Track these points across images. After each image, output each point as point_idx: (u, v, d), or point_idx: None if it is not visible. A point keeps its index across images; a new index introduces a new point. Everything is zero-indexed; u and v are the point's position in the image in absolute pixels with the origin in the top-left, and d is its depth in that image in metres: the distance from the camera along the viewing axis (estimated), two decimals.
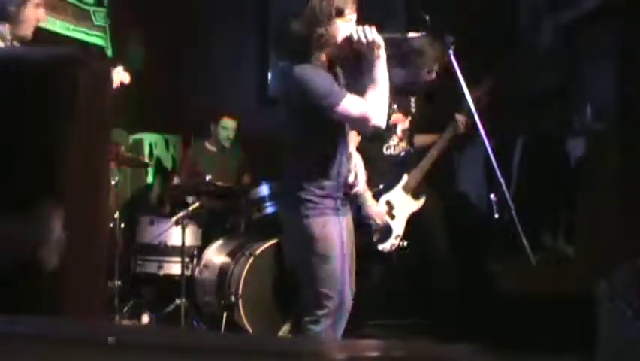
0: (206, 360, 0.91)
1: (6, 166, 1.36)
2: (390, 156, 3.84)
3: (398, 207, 3.78)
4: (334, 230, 2.61)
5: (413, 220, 3.82)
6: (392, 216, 3.76)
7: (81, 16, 4.28)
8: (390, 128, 3.79)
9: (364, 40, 2.55)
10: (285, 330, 3.79)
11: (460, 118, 3.80)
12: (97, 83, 1.46)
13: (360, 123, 2.60)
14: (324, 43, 2.59)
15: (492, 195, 3.99)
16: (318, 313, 2.61)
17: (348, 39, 2.58)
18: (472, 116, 3.43)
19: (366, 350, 0.96)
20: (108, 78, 1.53)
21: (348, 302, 2.66)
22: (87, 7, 4.38)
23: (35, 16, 2.98)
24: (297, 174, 2.67)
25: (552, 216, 4.21)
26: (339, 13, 2.59)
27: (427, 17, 3.27)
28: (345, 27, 2.59)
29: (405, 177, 3.82)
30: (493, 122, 3.65)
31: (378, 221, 3.64)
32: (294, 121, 2.70)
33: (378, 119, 2.58)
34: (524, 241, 3.12)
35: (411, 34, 2.63)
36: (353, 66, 2.68)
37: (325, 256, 2.59)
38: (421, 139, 4.00)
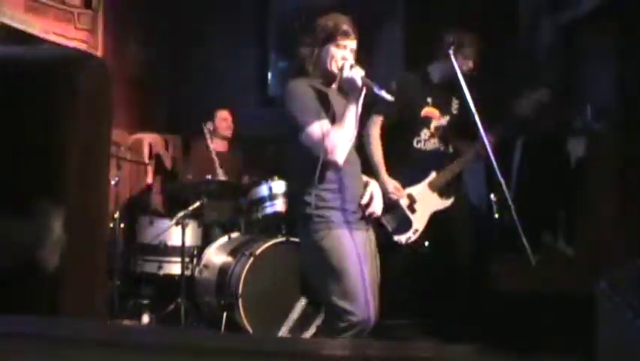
0: (206, 360, 0.91)
1: (6, 166, 1.36)
2: (420, 150, 3.75)
3: (420, 202, 3.70)
4: (346, 243, 2.57)
5: (437, 220, 3.74)
6: (413, 210, 3.69)
7: (63, 19, 4.22)
8: (423, 122, 3.73)
9: (345, 75, 2.60)
10: (299, 309, 3.72)
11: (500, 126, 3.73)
12: (97, 83, 1.46)
13: (318, 151, 2.57)
14: (316, 64, 2.68)
15: (492, 195, 3.98)
16: (338, 325, 2.55)
17: (333, 68, 2.67)
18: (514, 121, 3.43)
19: (366, 349, 0.96)
20: (108, 78, 1.53)
21: (373, 317, 2.58)
22: (71, 10, 4.32)
23: None
24: (299, 189, 2.68)
25: (552, 216, 4.21)
26: (330, 38, 2.66)
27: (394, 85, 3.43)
28: (337, 54, 2.67)
29: (432, 174, 3.74)
30: (493, 122, 3.66)
31: (394, 197, 3.59)
32: (290, 131, 2.69)
33: (335, 155, 2.58)
34: (524, 241, 3.12)
35: (384, 94, 2.62)
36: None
37: (339, 269, 2.54)
38: (460, 144, 3.89)
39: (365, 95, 2.62)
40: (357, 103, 2.60)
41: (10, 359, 0.87)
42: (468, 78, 3.55)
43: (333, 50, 2.66)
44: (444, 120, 3.77)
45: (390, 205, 3.59)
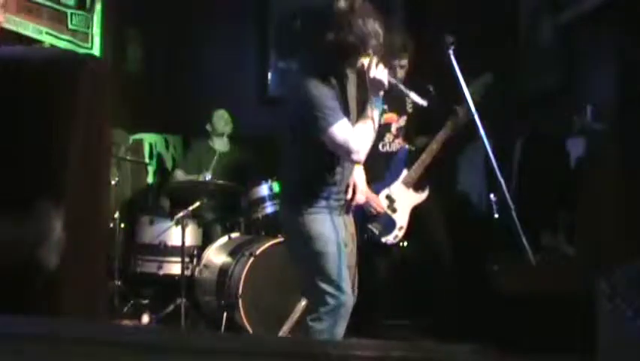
0: (206, 360, 0.91)
1: (6, 166, 1.36)
2: (387, 152, 3.92)
3: (399, 200, 3.86)
4: (328, 227, 2.64)
5: (415, 215, 3.89)
6: (393, 210, 3.84)
7: (56, 19, 4.20)
8: (383, 127, 3.86)
9: (372, 75, 2.57)
10: (299, 309, 3.75)
11: (459, 109, 3.81)
12: (97, 83, 1.46)
13: (342, 152, 2.61)
14: (339, 62, 2.63)
15: (492, 195, 3.99)
16: (319, 310, 2.63)
17: (362, 69, 2.63)
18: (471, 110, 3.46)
19: (366, 350, 0.96)
20: (108, 78, 1.53)
21: (350, 301, 2.67)
22: (64, 10, 4.29)
23: None
24: (291, 175, 2.75)
25: (552, 216, 4.21)
26: (363, 49, 2.57)
27: (431, 88, 3.42)
28: (364, 60, 2.62)
29: (404, 172, 3.90)
30: (493, 122, 3.66)
31: (375, 206, 3.70)
32: (291, 124, 2.73)
33: (359, 155, 2.61)
34: (524, 241, 3.12)
35: (414, 96, 2.66)
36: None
37: (321, 252, 2.62)
38: (422, 140, 4.04)
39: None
40: (380, 102, 2.65)
41: (10, 359, 0.87)
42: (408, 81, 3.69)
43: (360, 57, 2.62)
44: (402, 121, 3.95)
45: (375, 216, 3.75)
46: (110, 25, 4.77)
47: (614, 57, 3.84)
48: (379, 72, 2.59)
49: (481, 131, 3.33)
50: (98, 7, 4.60)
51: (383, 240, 3.79)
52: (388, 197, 3.86)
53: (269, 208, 4.27)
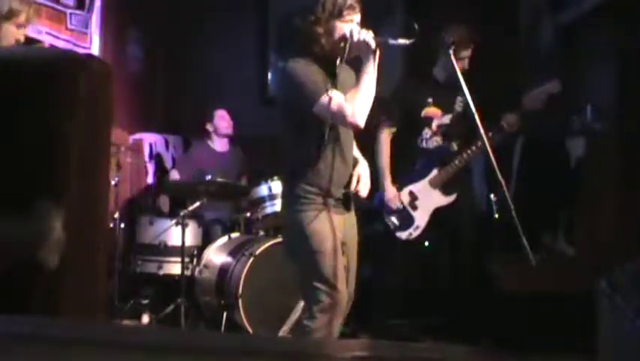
0: (206, 360, 0.91)
1: (6, 166, 1.36)
2: (422, 149, 3.85)
3: (422, 198, 3.79)
4: (325, 225, 2.63)
5: (439, 216, 3.83)
6: (414, 207, 3.79)
7: (55, 19, 4.20)
8: (424, 122, 3.82)
9: (356, 39, 2.57)
10: (299, 309, 3.75)
11: (509, 119, 3.71)
12: (98, 83, 1.46)
13: (338, 119, 2.61)
14: (319, 40, 2.64)
15: (492, 195, 3.99)
16: (313, 308, 2.61)
17: (344, 38, 2.62)
18: (524, 115, 3.46)
19: (366, 350, 0.96)
20: (109, 79, 1.53)
21: (344, 300, 2.65)
22: (64, 10, 4.28)
23: (14, 36, 2.81)
24: (290, 172, 2.74)
25: (552, 216, 4.21)
26: (337, 14, 2.63)
27: (416, 26, 3.35)
28: (344, 27, 2.63)
29: (434, 172, 3.82)
30: (493, 122, 3.66)
31: (392, 205, 3.73)
32: (285, 118, 2.75)
33: (356, 118, 2.59)
34: (524, 241, 3.12)
35: (401, 40, 2.65)
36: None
37: (316, 250, 2.60)
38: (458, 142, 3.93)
39: (380, 55, 2.63)
40: (372, 64, 2.61)
41: (10, 359, 0.87)
42: (468, 77, 3.58)
43: (339, 25, 2.63)
44: (446, 118, 3.85)
45: (390, 211, 3.76)
46: (110, 25, 4.76)
47: (614, 57, 3.84)
48: (363, 34, 2.59)
49: (481, 131, 3.33)
50: (97, 6, 4.60)
51: (397, 234, 3.77)
52: (411, 193, 3.80)
53: (269, 208, 4.26)
